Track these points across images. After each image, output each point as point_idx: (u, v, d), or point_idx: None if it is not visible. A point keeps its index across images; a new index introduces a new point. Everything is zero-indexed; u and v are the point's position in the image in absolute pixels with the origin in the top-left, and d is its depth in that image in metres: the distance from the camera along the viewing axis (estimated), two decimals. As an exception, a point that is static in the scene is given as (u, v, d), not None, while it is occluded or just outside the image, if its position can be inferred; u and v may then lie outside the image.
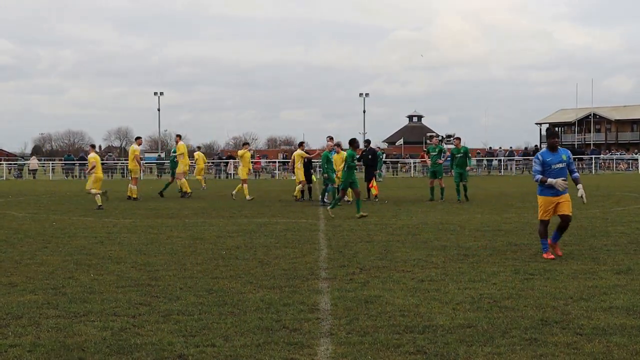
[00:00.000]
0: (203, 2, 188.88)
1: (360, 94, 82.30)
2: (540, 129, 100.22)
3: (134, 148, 23.96)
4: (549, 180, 9.95)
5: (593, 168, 54.83)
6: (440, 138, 32.81)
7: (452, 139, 21.67)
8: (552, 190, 10.03)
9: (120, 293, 7.86)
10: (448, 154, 24.86)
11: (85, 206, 21.15)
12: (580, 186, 10.34)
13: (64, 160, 56.35)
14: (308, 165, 23.62)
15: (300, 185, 23.19)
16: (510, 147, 62.01)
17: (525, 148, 73.84)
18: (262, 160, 57.83)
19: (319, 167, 22.94)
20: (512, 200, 22.38)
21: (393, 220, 15.87)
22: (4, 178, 51.27)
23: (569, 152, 10.38)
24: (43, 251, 11.25)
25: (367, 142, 24.69)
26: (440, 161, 22.60)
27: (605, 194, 24.93)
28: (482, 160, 56.87)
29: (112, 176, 49.98)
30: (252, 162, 55.29)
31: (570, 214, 10.22)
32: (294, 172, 24.12)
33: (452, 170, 21.61)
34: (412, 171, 51.22)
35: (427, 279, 8.55)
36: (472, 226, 14.31)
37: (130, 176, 24.04)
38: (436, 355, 5.47)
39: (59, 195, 25.63)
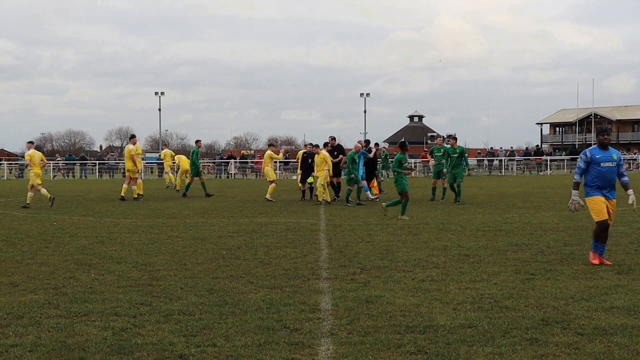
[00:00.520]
0: (203, 2, 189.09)
1: (361, 94, 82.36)
2: (541, 129, 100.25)
3: (129, 148, 23.95)
4: (573, 192, 9.54)
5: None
6: (444, 138, 32.73)
7: (447, 138, 21.56)
8: (601, 191, 9.51)
9: (121, 293, 7.86)
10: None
11: (86, 206, 21.16)
12: (630, 192, 9.74)
13: (65, 160, 56.36)
14: (309, 166, 23.62)
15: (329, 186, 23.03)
16: (511, 147, 61.99)
17: (526, 148, 73.82)
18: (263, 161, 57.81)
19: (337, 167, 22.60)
20: (513, 200, 22.36)
21: (394, 220, 15.86)
22: (5, 178, 51.30)
23: (619, 152, 9.75)
24: (44, 251, 11.25)
25: (367, 142, 24.66)
26: (442, 161, 22.61)
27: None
28: (483, 160, 56.88)
29: (113, 176, 49.97)
30: (253, 162, 55.58)
31: (611, 221, 9.68)
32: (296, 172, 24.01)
33: (446, 170, 21.34)
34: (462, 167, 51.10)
35: (428, 279, 8.55)
36: (473, 226, 14.31)
37: (130, 176, 23.89)
38: (437, 355, 5.47)
39: (59, 195, 25.62)
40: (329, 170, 21.51)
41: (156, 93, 77.13)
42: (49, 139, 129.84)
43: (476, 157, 59.17)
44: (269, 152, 23.83)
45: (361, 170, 22.46)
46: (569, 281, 8.31)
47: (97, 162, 54.42)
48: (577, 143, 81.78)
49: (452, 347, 5.67)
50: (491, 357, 5.42)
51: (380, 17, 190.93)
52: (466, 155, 21.43)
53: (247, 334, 6.09)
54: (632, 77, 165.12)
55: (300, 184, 23.83)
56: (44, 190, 20.53)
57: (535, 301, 7.25)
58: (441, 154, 22.52)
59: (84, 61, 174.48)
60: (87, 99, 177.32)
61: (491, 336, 5.96)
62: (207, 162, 59.48)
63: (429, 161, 46.03)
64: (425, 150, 54.91)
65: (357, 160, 21.00)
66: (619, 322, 6.36)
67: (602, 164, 9.42)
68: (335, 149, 23.89)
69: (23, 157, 76.80)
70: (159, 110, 78.27)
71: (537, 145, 68.76)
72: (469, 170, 22.19)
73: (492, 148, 66.58)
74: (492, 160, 56.79)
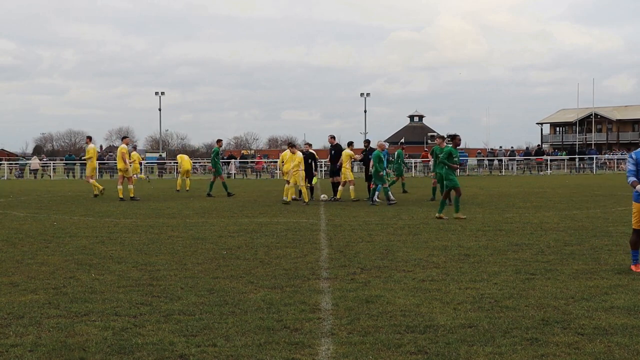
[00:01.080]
0: (203, 2, 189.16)
1: (362, 94, 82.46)
2: (542, 129, 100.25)
3: (121, 147, 23.98)
4: (638, 187, 8.70)
5: (594, 168, 54.81)
6: (444, 138, 32.62)
7: (436, 139, 21.30)
8: None
9: (122, 293, 7.86)
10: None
11: (87, 206, 21.17)
12: None
13: (65, 160, 56.36)
14: (310, 166, 23.61)
15: (353, 186, 22.79)
16: (512, 147, 61.98)
17: (527, 148, 73.79)
18: (264, 161, 57.81)
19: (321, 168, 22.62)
20: (513, 200, 22.36)
21: (394, 220, 15.86)
22: (5, 178, 51.31)
23: None
24: (44, 251, 11.25)
25: (367, 142, 24.66)
26: None
27: (606, 193, 24.92)
28: (483, 160, 56.85)
29: (112, 176, 49.95)
30: (254, 162, 55.58)
31: None
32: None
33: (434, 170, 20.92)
34: (413, 170, 51.18)
35: (428, 278, 8.55)
36: (473, 226, 14.30)
37: (124, 176, 23.82)
38: (437, 355, 5.47)
39: (60, 195, 25.64)
40: (318, 171, 21.40)
41: (156, 93, 77.28)
42: (49, 139, 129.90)
43: (476, 157, 59.16)
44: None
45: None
46: (569, 281, 8.31)
47: (97, 162, 54.34)
48: (577, 143, 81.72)
49: (452, 347, 5.67)
50: (491, 357, 5.42)
51: (380, 17, 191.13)
52: (453, 155, 20.87)
53: (248, 334, 6.09)
54: (632, 77, 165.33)
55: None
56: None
57: (535, 301, 7.25)
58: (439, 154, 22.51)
59: (84, 61, 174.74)
60: (87, 99, 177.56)
61: (491, 336, 5.96)
62: (207, 162, 59.48)
63: (429, 161, 46.07)
64: (426, 150, 54.89)
65: (382, 159, 20.86)
66: (620, 322, 6.36)
67: None
68: (333, 148, 23.90)
69: (23, 157, 76.71)
70: (159, 110, 78.40)
71: (539, 145, 68.76)
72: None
73: (491, 149, 66.50)
74: (492, 160, 56.77)
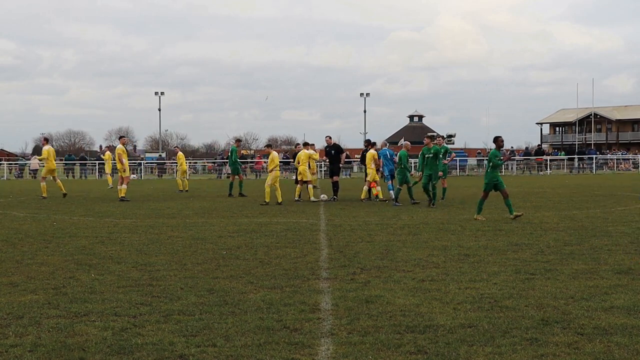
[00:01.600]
0: (203, 2, 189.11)
1: (362, 94, 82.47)
2: (541, 129, 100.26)
3: (117, 148, 23.98)
4: None
5: (594, 168, 54.81)
6: (443, 138, 32.59)
7: (436, 138, 21.23)
8: None
9: (121, 293, 7.86)
10: (454, 156, 24.81)
11: (86, 206, 21.16)
12: None
13: (65, 160, 56.35)
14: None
15: (366, 186, 22.78)
16: (512, 147, 61.97)
17: (526, 148, 73.78)
18: (264, 160, 57.78)
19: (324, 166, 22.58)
20: (513, 200, 22.30)
21: (394, 220, 15.86)
22: (5, 178, 51.29)
23: None
24: (44, 251, 11.25)
25: (367, 142, 24.63)
26: (445, 161, 22.58)
27: (606, 193, 24.93)
28: (483, 160, 56.83)
29: (112, 176, 49.87)
30: (254, 162, 55.53)
31: None
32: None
33: (419, 173, 20.68)
34: (412, 170, 51.14)
35: (428, 278, 8.55)
36: (473, 226, 14.30)
37: (122, 176, 23.77)
38: (437, 355, 5.47)
39: (59, 195, 25.61)
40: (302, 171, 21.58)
41: (156, 93, 77.29)
42: (49, 139, 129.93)
43: (476, 157, 59.16)
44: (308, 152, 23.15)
45: (386, 171, 22.38)
46: (569, 281, 8.31)
47: (97, 162, 54.41)
48: (577, 143, 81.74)
49: (452, 346, 5.67)
50: (491, 357, 5.42)
51: (380, 17, 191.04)
52: (440, 156, 20.36)
53: (247, 334, 6.09)
54: (632, 77, 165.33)
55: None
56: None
57: (535, 301, 7.24)
58: (441, 154, 22.50)
59: (84, 61, 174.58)
60: (87, 99, 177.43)
61: (491, 336, 5.96)
62: (207, 162, 59.51)
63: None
64: (426, 150, 54.84)
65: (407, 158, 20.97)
66: (619, 322, 6.36)
67: None
68: (332, 148, 23.90)
69: (23, 157, 76.70)
70: (159, 110, 78.39)
71: (539, 145, 68.76)
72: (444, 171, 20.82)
73: (491, 149, 66.53)
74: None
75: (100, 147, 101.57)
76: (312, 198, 22.37)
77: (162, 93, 77.55)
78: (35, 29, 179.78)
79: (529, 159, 55.40)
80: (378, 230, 13.75)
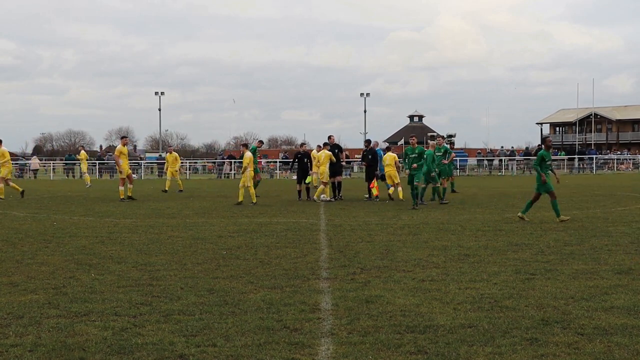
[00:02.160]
0: (203, 2, 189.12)
1: (362, 94, 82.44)
2: (541, 129, 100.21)
3: (117, 148, 23.95)
4: None
5: (594, 168, 54.81)
6: (443, 138, 32.54)
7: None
8: None
9: (121, 293, 7.86)
10: (454, 155, 24.79)
11: (87, 206, 21.17)
12: None
13: (65, 160, 56.35)
14: (305, 165, 23.64)
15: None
16: (512, 147, 61.97)
17: (527, 148, 73.76)
18: (264, 160, 57.75)
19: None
20: (513, 200, 22.36)
21: (394, 220, 15.86)
22: (5, 178, 51.24)
23: None
24: (44, 251, 11.25)
25: (368, 141, 24.65)
26: (445, 161, 22.59)
27: (606, 193, 24.93)
28: (483, 160, 56.86)
29: (112, 176, 49.93)
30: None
31: None
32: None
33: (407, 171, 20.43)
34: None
35: (428, 279, 8.55)
36: (473, 226, 14.30)
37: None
38: (437, 355, 5.47)
39: (59, 195, 25.64)
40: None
41: (156, 93, 77.20)
42: (49, 139, 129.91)
43: (476, 157, 59.15)
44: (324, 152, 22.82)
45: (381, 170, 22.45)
46: (569, 281, 8.31)
47: (97, 162, 54.43)
48: (577, 143, 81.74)
49: (452, 347, 5.67)
50: (491, 357, 5.42)
51: (380, 17, 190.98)
52: (425, 157, 19.86)
53: (247, 334, 6.09)
54: (632, 77, 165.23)
55: (297, 185, 23.90)
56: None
57: (535, 301, 7.24)
58: (441, 153, 22.51)
59: (84, 61, 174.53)
60: (87, 99, 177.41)
61: (491, 336, 5.96)
62: (207, 162, 59.49)
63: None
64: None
65: (435, 158, 21.01)
66: (619, 322, 6.36)
67: None
68: (334, 147, 23.90)
69: (23, 157, 76.82)
70: (159, 110, 78.34)
71: (539, 145, 68.71)
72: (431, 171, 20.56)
73: (490, 149, 66.51)
74: (492, 160, 56.77)
75: (101, 147, 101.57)
76: (323, 196, 22.40)
77: (162, 93, 77.51)
78: (35, 29, 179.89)
79: (529, 158, 55.37)
80: (378, 230, 13.75)
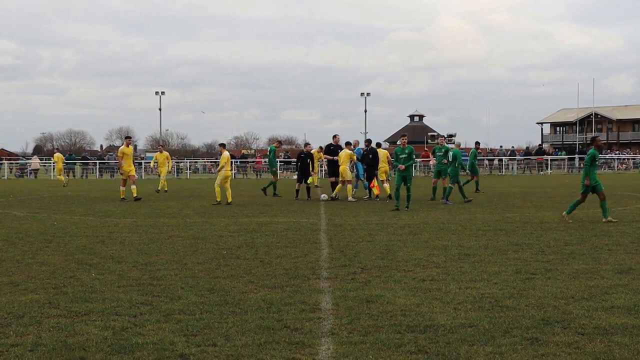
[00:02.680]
0: (203, 2, 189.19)
1: (362, 94, 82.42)
2: (542, 129, 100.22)
3: (120, 149, 23.94)
4: None
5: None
6: (444, 138, 32.51)
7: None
8: None
9: (122, 292, 7.86)
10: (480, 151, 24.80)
11: (87, 206, 21.17)
12: None
13: (66, 160, 56.35)
14: (305, 165, 23.66)
15: (387, 185, 22.80)
16: (512, 147, 61.95)
17: (527, 147, 73.77)
18: (263, 160, 57.79)
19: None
20: (513, 199, 22.36)
21: (394, 220, 15.86)
22: (6, 178, 51.30)
23: None
24: (44, 250, 11.25)
25: (368, 141, 24.63)
26: (446, 161, 22.57)
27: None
28: (483, 160, 56.83)
29: (113, 176, 49.94)
30: (254, 161, 55.52)
31: None
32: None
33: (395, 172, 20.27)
34: (413, 170, 51.19)
35: (429, 278, 8.55)
36: (473, 226, 14.30)
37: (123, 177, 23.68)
38: (437, 355, 5.47)
39: (60, 194, 25.66)
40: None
41: (156, 93, 77.04)
42: (49, 139, 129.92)
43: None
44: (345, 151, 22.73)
45: (361, 170, 22.55)
46: (570, 281, 8.30)
47: (97, 161, 54.45)
48: (577, 143, 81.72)
49: (452, 346, 5.67)
50: (492, 357, 5.42)
51: (380, 17, 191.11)
52: (414, 157, 19.78)
53: (248, 334, 6.09)
54: (632, 77, 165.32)
55: (297, 183, 23.94)
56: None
57: (535, 301, 7.24)
58: (442, 153, 22.50)
59: (84, 61, 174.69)
60: (87, 99, 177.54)
61: (492, 336, 5.96)
62: (207, 162, 59.48)
63: (429, 160, 46.07)
64: (427, 150, 54.87)
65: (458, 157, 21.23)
66: (620, 322, 6.36)
67: None
68: (336, 147, 23.91)
69: (23, 157, 76.77)
70: (159, 110, 78.30)
71: (540, 145, 68.74)
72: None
73: (492, 150, 66.51)
74: (492, 160, 56.76)
75: (101, 146, 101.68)
76: (350, 198, 22.10)
77: (163, 93, 77.41)
78: (35, 29, 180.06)
79: (529, 158, 55.37)
80: (378, 230, 13.74)
